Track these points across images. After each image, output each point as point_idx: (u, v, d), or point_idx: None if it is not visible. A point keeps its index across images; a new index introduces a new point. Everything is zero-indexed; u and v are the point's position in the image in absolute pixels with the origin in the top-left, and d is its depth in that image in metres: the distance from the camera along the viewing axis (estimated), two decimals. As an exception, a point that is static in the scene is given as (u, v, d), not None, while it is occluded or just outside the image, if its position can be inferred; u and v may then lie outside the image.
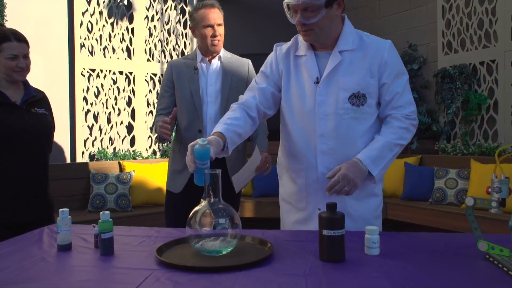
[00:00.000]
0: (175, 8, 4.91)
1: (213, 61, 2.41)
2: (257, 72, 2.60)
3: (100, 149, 4.26)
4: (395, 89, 1.61)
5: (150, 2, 4.71)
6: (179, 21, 4.94)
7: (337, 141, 1.61)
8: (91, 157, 4.26)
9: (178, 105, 2.43)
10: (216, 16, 2.32)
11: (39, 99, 2.22)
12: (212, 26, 2.31)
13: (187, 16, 4.95)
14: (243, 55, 2.54)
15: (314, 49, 1.67)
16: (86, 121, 4.23)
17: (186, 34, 4.96)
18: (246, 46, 5.31)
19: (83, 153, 4.17)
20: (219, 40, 2.34)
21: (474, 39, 4.28)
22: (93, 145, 4.28)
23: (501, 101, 4.05)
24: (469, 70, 4.27)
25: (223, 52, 2.45)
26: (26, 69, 2.12)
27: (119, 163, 4.10)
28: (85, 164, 3.94)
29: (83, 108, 4.20)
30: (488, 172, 3.63)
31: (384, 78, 1.60)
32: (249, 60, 2.52)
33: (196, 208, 1.30)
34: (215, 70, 2.41)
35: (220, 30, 2.34)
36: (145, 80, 4.63)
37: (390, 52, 1.62)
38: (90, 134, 4.27)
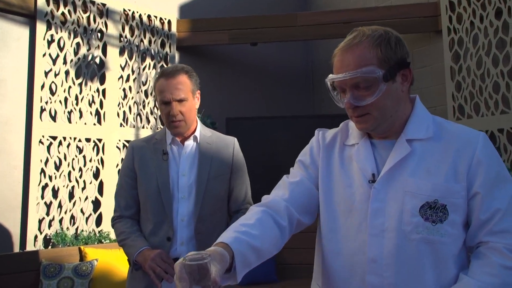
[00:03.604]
0: (154, 67, 4.41)
1: (186, 142, 1.83)
2: (245, 153, 2.05)
3: (59, 231, 3.57)
4: (494, 204, 1.05)
5: (126, 61, 4.21)
6: (158, 81, 4.43)
7: (398, 273, 1.05)
8: (47, 241, 3.55)
9: (142, 201, 1.82)
10: (174, 88, 1.73)
11: None
12: (168, 103, 1.74)
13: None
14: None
15: (370, 137, 1.20)
16: (42, 198, 3.57)
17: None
18: (235, 109, 4.82)
19: (36, 237, 3.47)
20: (180, 121, 1.75)
21: (489, 103, 3.80)
22: (49, 226, 3.59)
23: (527, 174, 3.51)
24: (487, 138, 3.75)
25: (200, 130, 1.87)
26: None
27: (80, 250, 3.41)
28: (35, 252, 3.23)
29: (40, 181, 3.55)
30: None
31: (477, 186, 1.06)
32: (235, 139, 1.95)
33: None
34: (189, 154, 1.82)
35: (182, 107, 1.75)
36: (117, 147, 4.03)
37: (486, 147, 1.09)
38: (47, 214, 3.59)
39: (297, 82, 5.40)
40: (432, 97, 4.33)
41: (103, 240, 3.70)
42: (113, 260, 3.36)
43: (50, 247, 3.53)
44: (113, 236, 3.83)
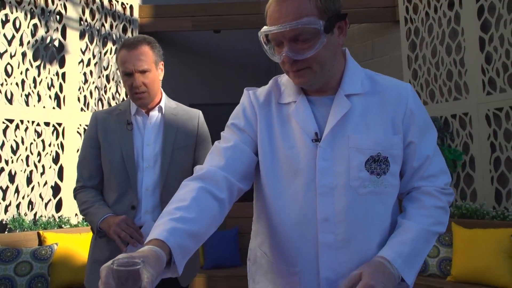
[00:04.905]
0: (116, 51, 4.33)
1: (151, 113, 1.83)
2: (210, 126, 2.07)
3: (16, 216, 3.46)
4: (425, 151, 1.13)
5: (87, 45, 4.12)
6: (120, 66, 4.36)
7: (350, 228, 1.06)
8: (3, 227, 3.44)
9: (105, 171, 1.81)
10: (136, 59, 1.71)
11: None
12: (130, 74, 1.73)
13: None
14: (194, 105, 2.00)
15: (306, 94, 1.15)
16: (-2, 182, 3.45)
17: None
18: (198, 96, 4.81)
19: (-9, 222, 3.36)
20: (143, 92, 1.74)
21: (444, 90, 3.99)
22: (6, 211, 3.47)
23: (477, 157, 3.71)
24: (441, 123, 3.94)
25: (165, 101, 1.87)
26: None
27: (39, 234, 3.32)
28: (-9, 237, 3.14)
29: (-5, 166, 3.43)
30: (473, 238, 3.19)
31: (411, 135, 1.12)
32: (200, 111, 1.96)
33: None
34: (154, 125, 1.82)
35: (145, 78, 1.73)
36: (77, 132, 3.94)
37: (415, 99, 1.14)
38: (3, 198, 3.47)
39: (261, 70, 5.45)
40: (390, 85, 4.49)
41: (63, 226, 3.62)
42: (73, 244, 3.30)
43: (6, 232, 3.42)
44: (73, 221, 3.76)
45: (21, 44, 3.67)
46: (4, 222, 3.45)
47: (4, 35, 3.58)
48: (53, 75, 3.84)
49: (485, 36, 3.70)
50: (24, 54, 3.67)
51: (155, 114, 1.83)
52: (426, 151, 1.13)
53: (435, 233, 1.10)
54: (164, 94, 1.90)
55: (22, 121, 3.59)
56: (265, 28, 1.05)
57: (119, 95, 4.31)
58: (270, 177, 1.13)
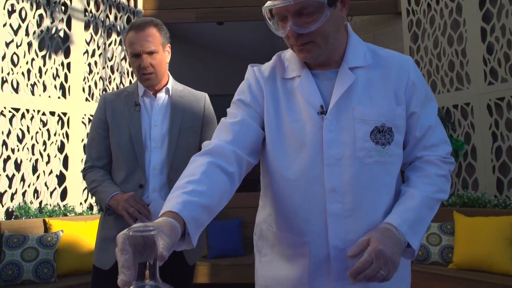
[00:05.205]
0: (120, 43, 4.37)
1: (158, 94, 1.86)
2: (216, 110, 2.10)
3: (22, 204, 3.50)
4: (427, 122, 1.15)
5: (91, 36, 4.16)
6: (124, 57, 4.40)
7: (357, 197, 1.09)
8: (9, 214, 3.48)
9: (114, 151, 1.84)
10: (144, 40, 1.74)
11: None
12: (138, 55, 1.75)
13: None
14: (213, 96, 2.03)
15: (309, 68, 1.16)
16: (4, 170, 3.48)
17: (132, 72, 4.41)
18: (200, 86, 4.85)
19: (-3, 210, 3.40)
20: (151, 73, 1.77)
21: (445, 81, 4.02)
22: (12, 199, 3.51)
23: (479, 147, 3.74)
24: (443, 113, 3.97)
25: (172, 84, 1.90)
26: None
27: (44, 221, 3.36)
28: (-2, 223, 3.17)
29: (1, 154, 3.46)
30: (475, 226, 3.23)
31: (413, 106, 1.14)
32: (206, 94, 2.00)
33: None
34: (162, 106, 1.85)
35: (153, 59, 1.76)
36: (82, 122, 3.98)
37: (416, 71, 1.17)
38: (9, 186, 3.51)
39: (263, 61, 5.47)
40: (392, 77, 4.52)
41: (68, 214, 3.66)
42: (78, 232, 3.34)
43: (13, 219, 3.46)
44: (78, 210, 3.80)
45: (27, 34, 3.70)
46: (10, 210, 3.48)
47: (10, 25, 3.61)
48: (58, 65, 3.88)
49: (487, 26, 3.73)
50: (30, 44, 3.71)
51: (162, 95, 1.87)
52: (428, 122, 1.15)
53: (438, 200, 1.13)
54: (171, 76, 1.93)
55: (28, 110, 3.63)
56: (269, 3, 1.06)
57: (123, 85, 4.34)
58: (277, 151, 1.15)
